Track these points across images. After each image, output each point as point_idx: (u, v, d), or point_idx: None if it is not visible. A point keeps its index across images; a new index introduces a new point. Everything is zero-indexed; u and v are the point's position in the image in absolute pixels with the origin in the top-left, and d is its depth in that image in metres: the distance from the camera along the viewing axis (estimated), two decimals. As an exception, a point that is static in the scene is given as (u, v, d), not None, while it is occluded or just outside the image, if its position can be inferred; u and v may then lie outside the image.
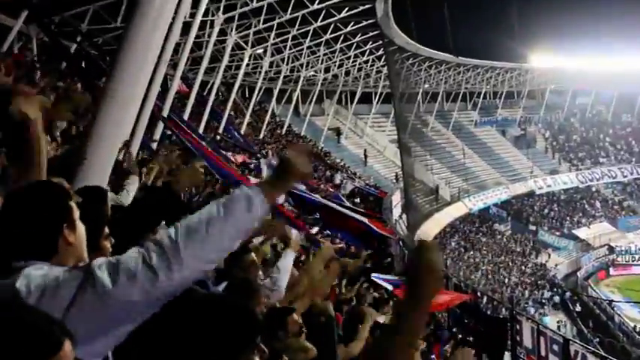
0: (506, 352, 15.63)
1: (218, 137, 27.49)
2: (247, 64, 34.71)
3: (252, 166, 23.71)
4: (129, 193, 6.12)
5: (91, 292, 1.90)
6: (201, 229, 2.01)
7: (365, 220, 17.07)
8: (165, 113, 17.51)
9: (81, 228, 2.19)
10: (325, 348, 4.94)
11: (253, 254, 5.11)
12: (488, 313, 18.64)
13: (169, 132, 16.73)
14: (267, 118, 41.57)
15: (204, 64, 27.37)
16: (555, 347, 14.27)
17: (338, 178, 34.73)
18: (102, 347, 1.98)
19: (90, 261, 2.01)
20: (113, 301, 1.90)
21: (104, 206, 3.18)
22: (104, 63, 15.13)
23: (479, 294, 20.30)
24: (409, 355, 1.78)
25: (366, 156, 48.79)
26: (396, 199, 34.21)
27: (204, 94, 31.53)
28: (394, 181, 44.86)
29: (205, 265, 2.04)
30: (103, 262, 1.97)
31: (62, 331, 1.60)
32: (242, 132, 35.34)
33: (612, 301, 38.23)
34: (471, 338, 15.62)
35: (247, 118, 38.31)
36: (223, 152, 20.13)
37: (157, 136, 17.01)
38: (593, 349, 17.84)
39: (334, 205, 17.49)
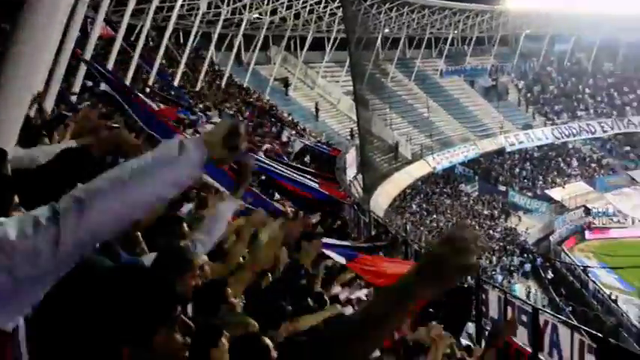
0: (469, 324, 16.05)
1: (148, 89, 27.18)
2: (182, 5, 34.25)
3: (187, 121, 23.56)
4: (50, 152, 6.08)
5: None
6: (122, 175, 2.06)
7: (314, 184, 17.27)
8: (88, 55, 17.28)
9: None
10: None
11: (185, 225, 5.17)
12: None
13: (91, 82, 16.51)
14: (205, 67, 41.08)
15: (132, 4, 26.90)
16: (524, 317, 14.64)
17: (285, 135, 34.73)
18: (13, 309, 2.03)
19: None
20: (17, 253, 1.94)
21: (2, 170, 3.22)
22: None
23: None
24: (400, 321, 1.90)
25: (317, 110, 48.71)
26: (351, 157, 34.34)
27: (132, 39, 31.08)
28: (349, 137, 44.95)
29: (128, 212, 2.08)
30: (9, 218, 2.05)
31: None
32: (175, 83, 35.00)
33: (587, 267, 39.35)
34: (431, 310, 15.97)
35: (182, 68, 37.80)
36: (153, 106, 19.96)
37: (77, 87, 16.80)
38: (564, 318, 18.45)
39: (281, 169, 17.64)
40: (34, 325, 2.28)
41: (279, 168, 17.99)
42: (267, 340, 4.15)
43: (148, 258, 4.17)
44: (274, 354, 3.94)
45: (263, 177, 16.88)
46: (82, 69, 16.83)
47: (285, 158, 24.78)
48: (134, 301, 1.97)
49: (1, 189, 2.31)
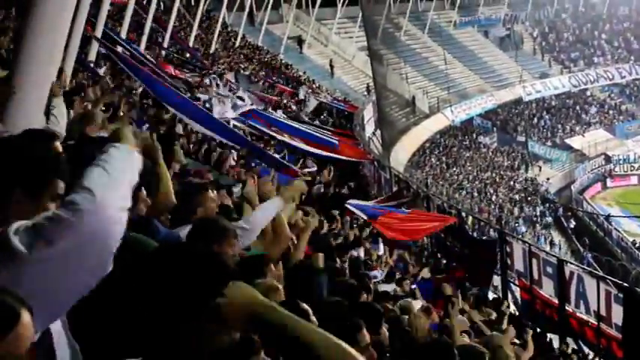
0: (495, 277, 16.08)
1: (164, 53, 27.16)
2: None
3: (207, 81, 23.58)
4: (58, 120, 6.08)
5: (6, 266, 1.89)
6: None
7: (334, 140, 17.27)
8: (100, 27, 17.24)
9: None
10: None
11: (210, 191, 5.15)
12: (475, 235, 19.04)
13: (105, 50, 16.51)
14: (218, 28, 40.90)
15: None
16: (549, 269, 14.64)
17: (302, 93, 34.60)
18: (45, 318, 1.98)
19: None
20: (32, 267, 1.89)
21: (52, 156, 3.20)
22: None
23: (464, 215, 20.68)
24: None
25: (332, 67, 48.48)
26: (368, 113, 34.26)
27: (144, 3, 30.95)
28: (365, 93, 44.75)
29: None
30: (20, 225, 1.97)
31: (17, 300, 1.65)
32: (190, 45, 34.91)
33: (610, 215, 39.21)
34: (455, 264, 16.03)
35: (195, 30, 37.64)
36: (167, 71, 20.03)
37: (93, 57, 16.80)
38: (589, 269, 18.43)
39: (300, 127, 17.65)
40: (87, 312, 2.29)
41: (299, 126, 18.04)
42: (305, 305, 4.16)
43: (184, 231, 4.17)
44: (314, 318, 3.95)
45: (282, 137, 16.93)
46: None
47: (304, 117, 24.75)
48: (191, 278, 1.96)
49: (40, 170, 2.26)
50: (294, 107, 29.86)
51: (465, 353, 4.49)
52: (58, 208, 2.02)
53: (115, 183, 2.09)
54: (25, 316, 1.66)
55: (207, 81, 23.71)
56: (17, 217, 2.03)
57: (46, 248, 1.90)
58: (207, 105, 15.97)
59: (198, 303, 1.95)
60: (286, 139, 16.87)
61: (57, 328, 2.15)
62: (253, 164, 14.13)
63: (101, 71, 16.27)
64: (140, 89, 15.85)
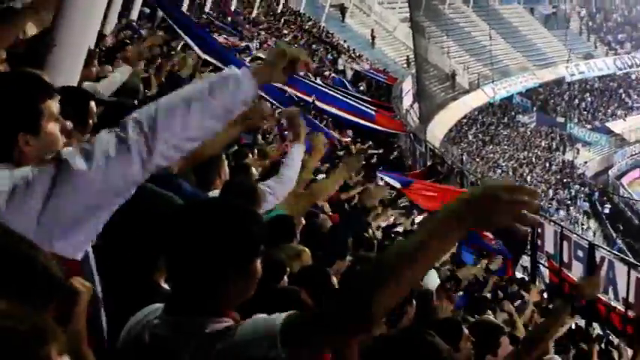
0: (524, 257, 16.00)
1: (205, 17, 27.17)
2: None
3: (242, 47, 23.56)
4: (110, 83, 6.16)
5: (67, 182, 2.08)
6: (181, 105, 2.19)
7: (371, 111, 17.21)
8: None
9: (54, 129, 2.28)
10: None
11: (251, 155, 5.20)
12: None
13: (148, 10, 16.57)
14: (261, -8, 40.79)
15: None
16: (580, 253, 14.54)
17: (341, 63, 34.47)
18: (84, 238, 2.20)
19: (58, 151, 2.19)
20: (91, 184, 2.09)
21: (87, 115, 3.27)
22: None
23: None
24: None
25: (373, 37, 48.08)
26: (407, 86, 34.07)
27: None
28: (405, 65, 44.41)
29: (185, 143, 2.23)
30: (75, 148, 2.17)
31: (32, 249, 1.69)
32: (232, 9, 34.87)
33: (646, 201, 38.81)
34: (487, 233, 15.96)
35: (237, -7, 37.62)
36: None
37: (134, 16, 16.85)
38: (621, 255, 18.27)
39: (338, 96, 17.58)
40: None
41: (335, 93, 18.00)
42: (328, 270, 4.22)
43: (212, 194, 4.21)
44: (334, 281, 4.00)
45: (316, 100, 16.91)
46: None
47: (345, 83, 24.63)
48: (235, 233, 2.00)
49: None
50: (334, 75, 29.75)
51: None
52: (109, 132, 2.16)
53: (170, 120, 2.17)
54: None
55: (249, 45, 23.73)
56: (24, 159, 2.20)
57: (97, 168, 2.10)
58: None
59: (236, 259, 2.00)
60: (325, 106, 16.86)
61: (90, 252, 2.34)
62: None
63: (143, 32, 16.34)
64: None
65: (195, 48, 13.01)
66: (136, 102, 5.17)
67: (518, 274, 15.19)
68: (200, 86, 2.26)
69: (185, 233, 2.00)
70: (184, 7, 24.95)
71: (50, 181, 2.07)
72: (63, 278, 1.61)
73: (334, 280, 3.99)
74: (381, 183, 14.29)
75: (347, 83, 27.26)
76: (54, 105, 2.28)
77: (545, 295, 14.57)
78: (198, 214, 2.06)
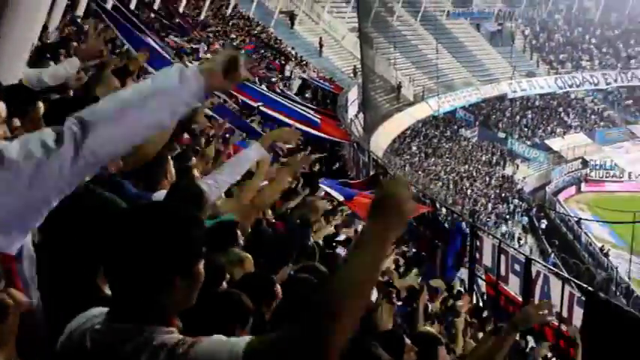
0: (462, 269, 16.22)
1: (153, 15, 26.89)
2: None
3: (189, 49, 23.40)
4: (57, 73, 5.99)
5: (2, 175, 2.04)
6: (122, 105, 2.16)
7: (316, 119, 17.22)
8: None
9: None
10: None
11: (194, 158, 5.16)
12: (447, 226, 19.15)
13: (95, 4, 16.30)
14: (210, -5, 40.55)
15: None
16: (517, 267, 14.76)
17: (288, 69, 34.48)
18: (17, 232, 2.14)
19: None
20: (23, 173, 2.04)
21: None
22: None
23: (437, 205, 20.78)
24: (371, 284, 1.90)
25: (321, 45, 48.20)
26: (353, 95, 34.23)
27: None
28: (351, 75, 44.65)
29: (122, 144, 2.19)
30: (10, 140, 2.15)
31: None
32: (180, 11, 34.60)
33: (581, 219, 39.56)
34: (424, 253, 16.16)
35: (187, -5, 37.36)
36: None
37: (80, 12, 16.58)
38: (556, 270, 18.60)
39: (283, 101, 17.55)
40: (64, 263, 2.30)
41: (281, 100, 17.96)
42: (273, 277, 4.21)
43: (158, 195, 4.17)
44: (278, 289, 3.99)
45: (261, 106, 16.84)
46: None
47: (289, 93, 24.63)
48: (175, 238, 1.99)
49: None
50: (281, 85, 29.74)
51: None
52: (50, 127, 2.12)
53: (108, 122, 2.13)
54: None
55: (197, 48, 23.57)
56: None
57: (29, 158, 2.05)
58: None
59: (178, 263, 1.99)
60: (270, 112, 16.79)
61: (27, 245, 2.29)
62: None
63: (86, 27, 16.08)
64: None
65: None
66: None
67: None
68: (143, 85, 2.24)
69: (124, 239, 1.99)
70: (132, 5, 24.67)
71: None
72: None
73: (278, 287, 3.98)
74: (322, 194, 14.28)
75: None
76: None
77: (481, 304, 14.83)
78: (136, 219, 2.05)
